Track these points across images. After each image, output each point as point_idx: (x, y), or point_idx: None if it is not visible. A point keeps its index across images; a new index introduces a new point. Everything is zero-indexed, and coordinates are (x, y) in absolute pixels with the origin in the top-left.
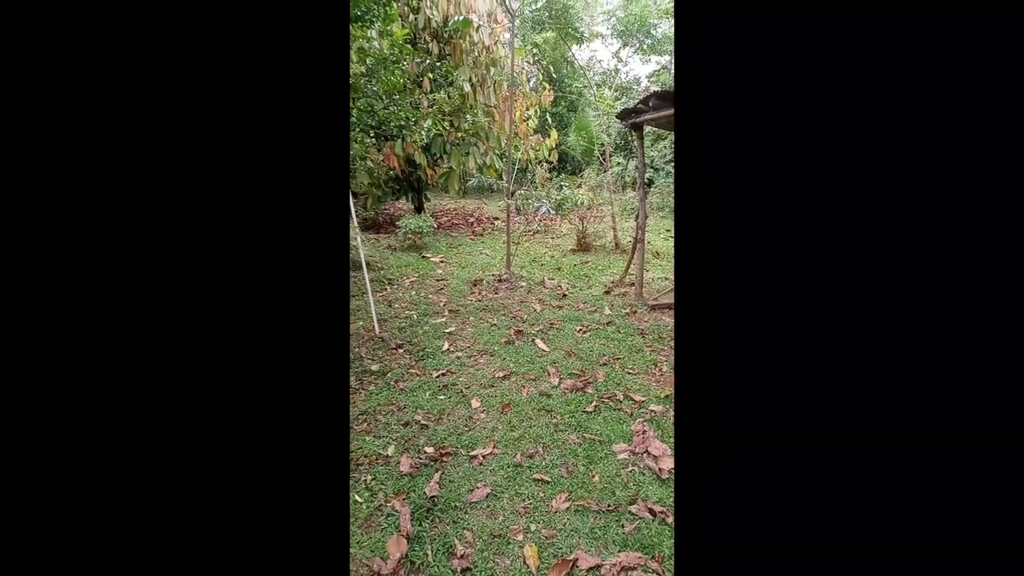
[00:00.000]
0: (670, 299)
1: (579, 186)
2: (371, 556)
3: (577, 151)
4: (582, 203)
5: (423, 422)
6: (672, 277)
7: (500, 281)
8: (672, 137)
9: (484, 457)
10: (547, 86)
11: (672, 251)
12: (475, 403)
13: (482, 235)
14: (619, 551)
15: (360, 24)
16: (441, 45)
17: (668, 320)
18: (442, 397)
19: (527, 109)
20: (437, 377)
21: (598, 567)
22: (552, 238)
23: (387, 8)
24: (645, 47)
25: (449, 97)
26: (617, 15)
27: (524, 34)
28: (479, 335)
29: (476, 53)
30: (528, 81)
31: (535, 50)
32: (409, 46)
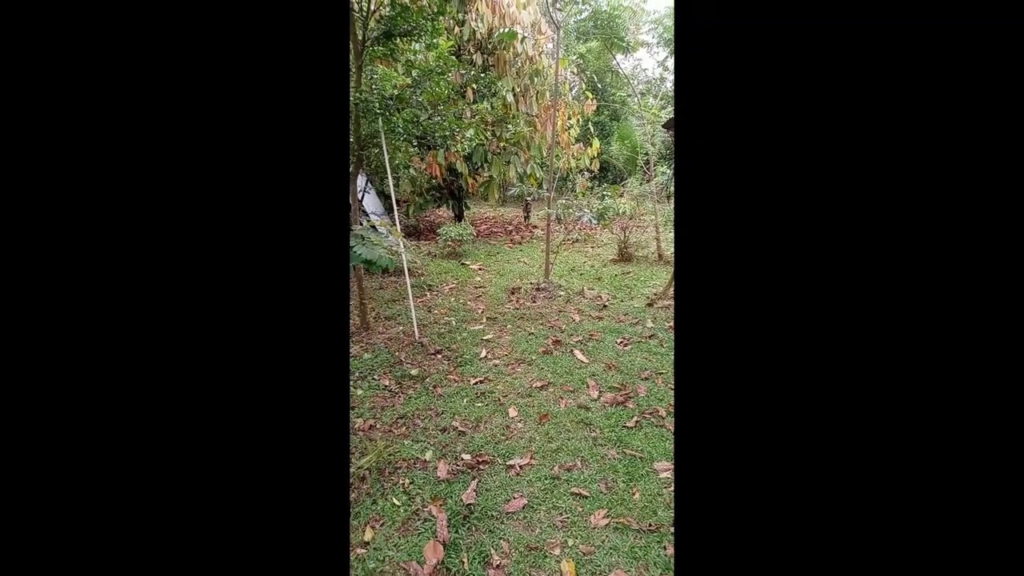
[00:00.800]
0: None
1: (621, 195)
2: (408, 560)
3: (620, 160)
4: (624, 212)
5: (461, 428)
6: None
7: (538, 290)
8: None
9: (521, 467)
10: (590, 95)
11: None
12: (512, 412)
13: (520, 243)
14: (660, 574)
15: (408, 38)
16: (485, 56)
17: None
18: (479, 404)
19: (569, 118)
20: (475, 384)
21: None
22: (592, 247)
23: (434, 23)
24: None
25: (492, 107)
26: (664, 23)
27: (568, 44)
28: (516, 343)
29: (519, 64)
30: (571, 91)
31: (579, 60)
32: (454, 58)
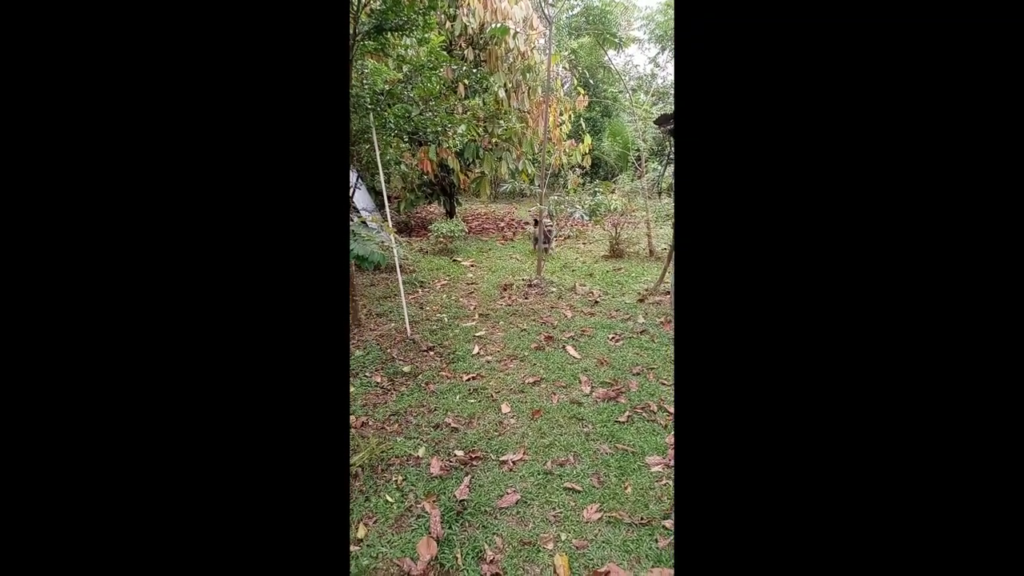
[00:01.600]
0: None
1: (612, 191)
2: (401, 556)
3: (611, 156)
4: (615, 209)
5: (454, 425)
6: None
7: (530, 286)
8: None
9: (514, 463)
10: (582, 91)
11: None
12: (505, 408)
13: (512, 240)
14: (652, 566)
15: (400, 33)
16: (477, 52)
17: None
18: (472, 401)
19: (561, 114)
20: (467, 380)
21: None
22: (584, 244)
23: (426, 17)
24: None
25: (484, 103)
26: (655, 19)
27: (560, 40)
28: (509, 340)
29: (511, 59)
30: (563, 86)
31: (571, 55)
32: (445, 53)
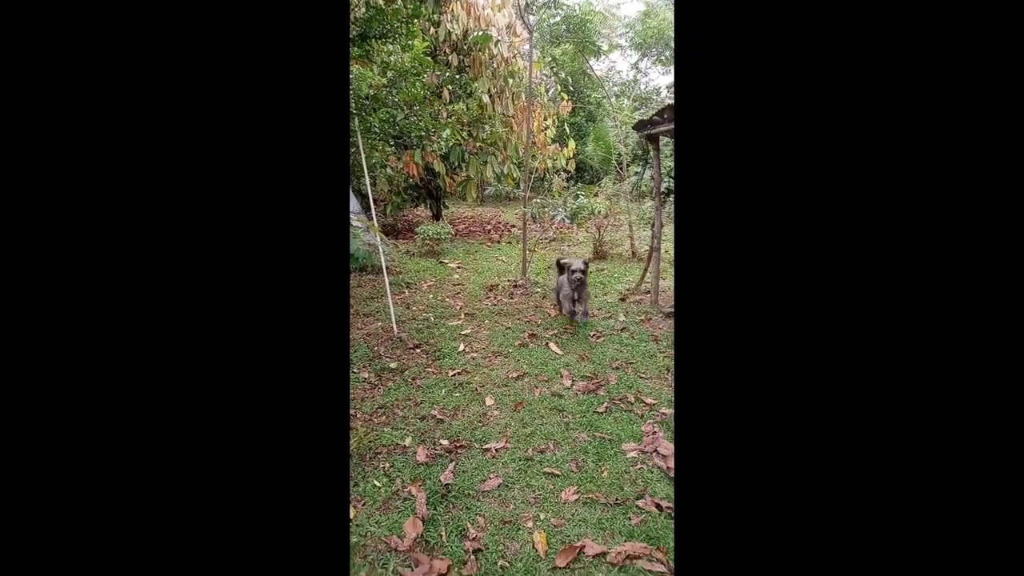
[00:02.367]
0: None
1: (596, 195)
2: (389, 535)
3: (595, 161)
4: (599, 212)
5: (439, 417)
6: None
7: (516, 287)
8: None
9: (497, 451)
10: (565, 97)
11: None
12: (489, 401)
13: (499, 242)
14: (625, 541)
15: (384, 40)
16: (461, 57)
17: None
18: (457, 394)
19: (545, 119)
20: (453, 376)
21: (604, 554)
22: (568, 246)
23: (409, 25)
24: (664, 58)
25: (468, 108)
26: (636, 28)
27: (542, 46)
28: (494, 337)
29: (495, 65)
30: (546, 92)
31: (553, 62)
32: (429, 59)
